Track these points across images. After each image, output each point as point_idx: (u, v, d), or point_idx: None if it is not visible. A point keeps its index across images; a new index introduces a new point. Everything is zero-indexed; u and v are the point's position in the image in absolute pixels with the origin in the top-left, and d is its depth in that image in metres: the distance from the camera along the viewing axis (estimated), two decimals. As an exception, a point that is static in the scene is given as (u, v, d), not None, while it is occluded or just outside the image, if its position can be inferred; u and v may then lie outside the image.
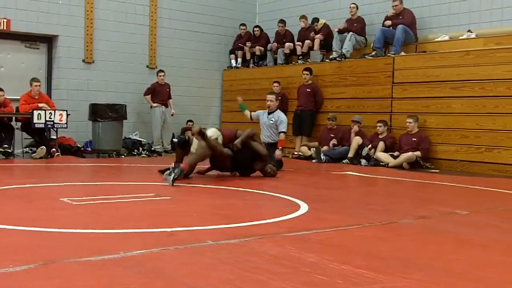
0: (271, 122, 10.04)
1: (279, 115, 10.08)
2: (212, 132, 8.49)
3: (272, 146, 9.79)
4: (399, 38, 11.99)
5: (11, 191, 6.64)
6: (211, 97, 15.80)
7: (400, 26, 12.01)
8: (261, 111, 10.47)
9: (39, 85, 11.55)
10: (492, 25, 11.49)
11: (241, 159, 8.60)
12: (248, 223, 4.83)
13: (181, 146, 8.60)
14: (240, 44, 15.63)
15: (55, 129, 11.52)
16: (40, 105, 11.26)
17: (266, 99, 10.23)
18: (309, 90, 13.10)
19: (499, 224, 5.23)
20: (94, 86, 13.76)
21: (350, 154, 11.51)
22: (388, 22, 12.31)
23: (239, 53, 15.68)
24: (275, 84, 13.40)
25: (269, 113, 10.13)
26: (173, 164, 8.32)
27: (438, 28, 12.34)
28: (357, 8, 13.24)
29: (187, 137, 8.67)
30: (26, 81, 11.66)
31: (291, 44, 14.47)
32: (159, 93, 13.78)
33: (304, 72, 13.11)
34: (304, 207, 5.74)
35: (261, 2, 16.53)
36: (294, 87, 13.80)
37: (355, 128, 11.76)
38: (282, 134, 9.94)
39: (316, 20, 13.90)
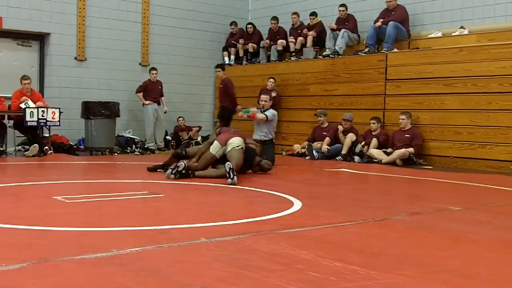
0: None
1: (271, 110, 10.22)
2: (239, 141, 8.43)
3: (265, 143, 9.90)
4: (391, 35, 12.02)
5: (3, 189, 6.62)
6: (204, 95, 15.77)
7: (391, 23, 12.04)
8: (255, 109, 10.54)
9: (29, 83, 11.47)
10: (485, 21, 11.52)
11: (248, 158, 8.61)
12: (242, 220, 4.83)
13: (177, 157, 8.77)
14: (233, 41, 15.62)
15: (47, 127, 11.49)
16: (23, 98, 11.17)
17: (260, 98, 10.27)
18: (222, 86, 13.17)
19: (492, 221, 5.25)
20: (87, 84, 13.72)
21: (344, 151, 11.53)
22: (378, 23, 12.32)
23: (232, 50, 15.67)
24: (271, 80, 13.40)
25: (262, 112, 10.22)
26: (163, 163, 8.76)
27: (431, 25, 12.36)
28: (347, 9, 13.25)
29: (184, 151, 8.91)
30: (18, 79, 11.59)
31: (284, 41, 14.46)
32: (151, 91, 13.74)
33: (216, 69, 13.20)
34: (297, 204, 5.75)
35: (253, -1, 16.54)
36: (287, 84, 13.82)
37: (340, 128, 11.81)
38: (260, 114, 9.98)
39: (314, 14, 13.91)
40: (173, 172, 7.82)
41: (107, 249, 3.62)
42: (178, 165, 7.90)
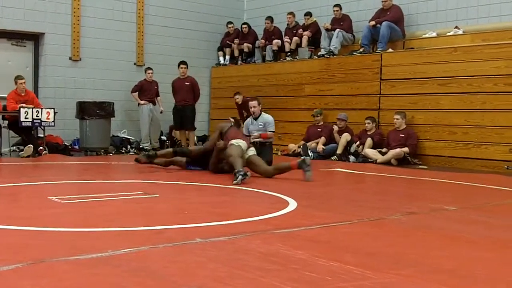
0: (260, 126, 10.16)
1: (266, 118, 10.20)
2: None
3: (264, 145, 9.97)
4: (384, 35, 12.04)
5: (-2, 190, 6.60)
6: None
7: (384, 23, 12.06)
8: (247, 121, 10.55)
9: (24, 82, 11.45)
10: (479, 21, 11.55)
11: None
12: (237, 220, 4.83)
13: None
14: (228, 41, 15.61)
15: (42, 127, 11.46)
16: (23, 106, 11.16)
17: (250, 105, 10.25)
18: (188, 83, 13.22)
19: (487, 220, 5.26)
20: (81, 84, 13.70)
21: (339, 151, 11.54)
22: (372, 23, 12.35)
23: (227, 50, 15.67)
24: (236, 96, 13.26)
25: (255, 119, 10.21)
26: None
27: (425, 25, 12.39)
28: (341, 9, 13.27)
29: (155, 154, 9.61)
30: (13, 79, 11.56)
31: (279, 41, 14.47)
32: (146, 91, 13.73)
33: (182, 66, 13.25)
34: (292, 204, 5.75)
35: (248, -1, 16.54)
36: (282, 84, 13.83)
37: (335, 128, 11.85)
38: (270, 132, 10.10)
39: (309, 14, 13.92)
40: (243, 179, 7.45)
41: (103, 249, 3.61)
42: (247, 173, 7.59)
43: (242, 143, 8.42)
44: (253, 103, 10.21)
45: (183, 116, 13.20)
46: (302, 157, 8.04)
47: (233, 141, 8.41)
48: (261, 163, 8.46)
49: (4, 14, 12.63)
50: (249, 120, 10.45)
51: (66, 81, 13.51)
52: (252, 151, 8.54)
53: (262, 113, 10.26)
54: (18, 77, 11.42)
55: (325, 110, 12.54)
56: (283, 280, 3.07)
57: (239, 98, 13.17)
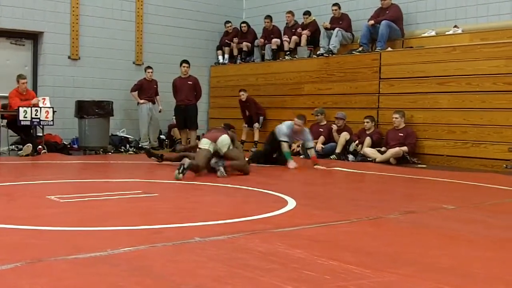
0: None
1: (306, 134, 10.47)
2: (228, 141, 8.72)
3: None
4: (383, 34, 12.04)
5: (-3, 189, 6.59)
6: (198, 94, 15.73)
7: (383, 22, 12.05)
8: (286, 129, 10.29)
9: (26, 82, 11.49)
10: (478, 20, 11.55)
11: None
12: (236, 219, 4.83)
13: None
14: (227, 40, 15.60)
15: (41, 126, 11.45)
16: (33, 102, 11.19)
17: (295, 123, 10.16)
18: (190, 82, 13.25)
19: (486, 219, 5.26)
20: (80, 83, 13.68)
21: (338, 150, 11.54)
22: (371, 22, 12.35)
23: (226, 49, 15.65)
24: (242, 93, 13.31)
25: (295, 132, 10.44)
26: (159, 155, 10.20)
27: (424, 24, 12.39)
28: (340, 8, 13.26)
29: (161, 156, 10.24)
30: (11, 78, 11.58)
31: (278, 39, 14.47)
32: (146, 90, 13.71)
33: (184, 64, 13.28)
34: (291, 203, 5.75)
35: (248, -2, 16.52)
36: (281, 83, 13.82)
37: (334, 127, 11.85)
38: (313, 150, 10.54)
39: (308, 13, 13.92)
40: (181, 171, 7.67)
41: (101, 248, 3.61)
42: (183, 163, 7.82)
43: (207, 143, 8.52)
44: (299, 122, 10.10)
45: (187, 116, 13.16)
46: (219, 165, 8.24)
47: (200, 145, 8.67)
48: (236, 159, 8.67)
49: (3, 13, 12.62)
50: (287, 129, 10.25)
51: (65, 80, 13.50)
52: (225, 146, 8.56)
53: (306, 129, 10.55)
54: (20, 77, 11.44)
55: (324, 110, 12.51)
56: (282, 279, 3.07)
57: (244, 95, 13.14)
